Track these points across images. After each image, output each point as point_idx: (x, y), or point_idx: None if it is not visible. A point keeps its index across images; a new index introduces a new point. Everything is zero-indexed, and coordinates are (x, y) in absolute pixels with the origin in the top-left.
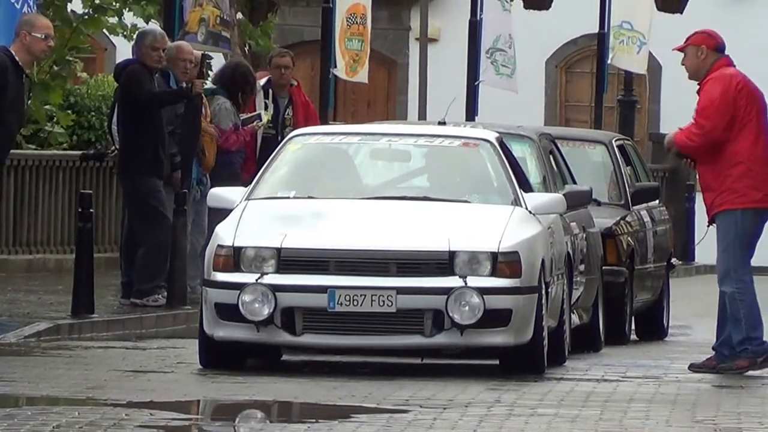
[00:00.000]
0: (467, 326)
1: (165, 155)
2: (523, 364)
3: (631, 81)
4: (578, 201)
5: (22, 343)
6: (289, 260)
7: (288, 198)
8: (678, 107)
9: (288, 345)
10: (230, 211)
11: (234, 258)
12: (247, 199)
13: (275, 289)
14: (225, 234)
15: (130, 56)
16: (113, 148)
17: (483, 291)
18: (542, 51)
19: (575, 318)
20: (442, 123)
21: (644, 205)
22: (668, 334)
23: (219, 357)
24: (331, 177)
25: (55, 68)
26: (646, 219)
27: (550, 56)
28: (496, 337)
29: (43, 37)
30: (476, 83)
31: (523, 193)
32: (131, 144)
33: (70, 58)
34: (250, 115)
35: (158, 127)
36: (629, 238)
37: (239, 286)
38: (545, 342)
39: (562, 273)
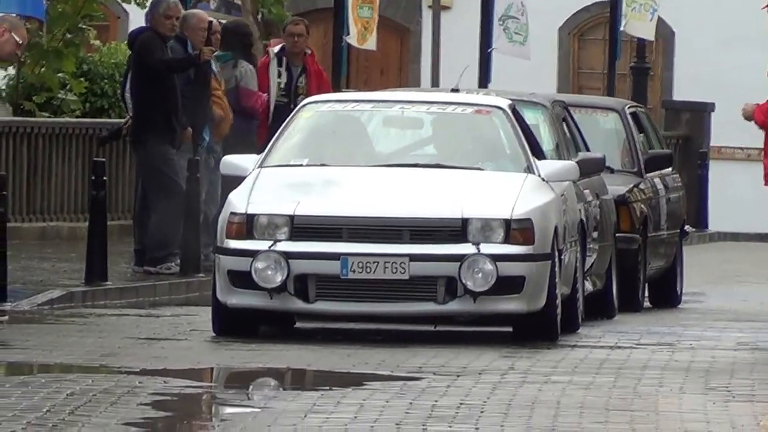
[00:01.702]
0: (480, 293)
1: (178, 123)
2: (537, 331)
3: (644, 48)
4: (591, 168)
5: (36, 310)
6: (302, 227)
7: (301, 165)
8: (690, 74)
9: (301, 312)
10: (243, 178)
11: (247, 225)
12: (260, 166)
13: (288, 256)
14: (238, 201)
15: (143, 24)
16: (127, 117)
17: (496, 258)
18: (555, 18)
19: (588, 285)
20: (455, 90)
21: (657, 172)
22: (681, 302)
23: (232, 324)
24: (343, 144)
25: (68, 36)
26: (660, 186)
27: (563, 23)
28: (509, 304)
29: None
30: (489, 51)
31: (536, 160)
32: (144, 112)
33: (83, 26)
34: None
35: (171, 95)
36: (642, 206)
37: (252, 254)
38: (558, 309)
39: (575, 240)
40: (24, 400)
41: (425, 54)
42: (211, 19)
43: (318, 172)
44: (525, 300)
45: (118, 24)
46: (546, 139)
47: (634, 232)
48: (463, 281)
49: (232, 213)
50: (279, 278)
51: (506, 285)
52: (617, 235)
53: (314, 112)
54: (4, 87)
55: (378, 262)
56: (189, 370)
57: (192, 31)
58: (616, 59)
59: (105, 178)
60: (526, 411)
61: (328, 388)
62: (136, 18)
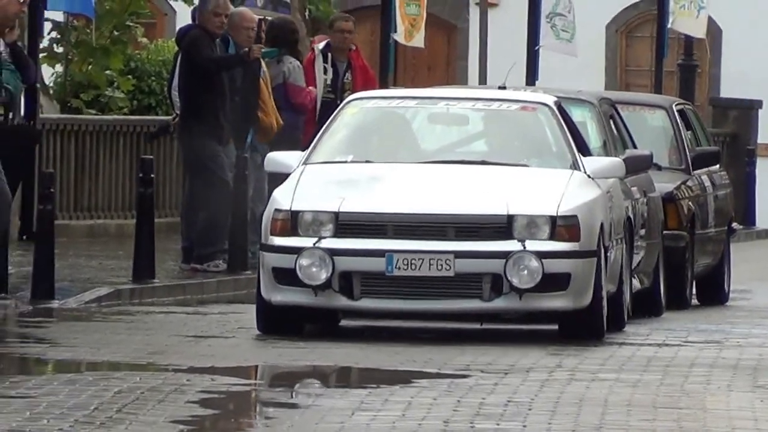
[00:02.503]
0: (526, 290)
1: (225, 120)
2: (583, 328)
3: (692, 45)
4: (639, 165)
5: (83, 308)
6: (346, 224)
7: (345, 162)
8: (738, 71)
9: (346, 309)
10: (287, 175)
11: (291, 222)
12: (305, 163)
13: (333, 253)
14: (282, 198)
15: (190, 21)
16: (174, 114)
17: (542, 255)
18: (602, 15)
19: (636, 283)
20: (503, 88)
21: (705, 169)
22: (729, 299)
23: (277, 322)
24: (388, 141)
25: (116, 33)
26: (707, 183)
27: (611, 21)
28: (555, 302)
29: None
30: (536, 48)
31: (581, 157)
32: (191, 109)
33: (131, 24)
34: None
35: (219, 92)
36: (690, 203)
37: (297, 251)
38: (604, 307)
39: (622, 237)
40: (72, 398)
41: (472, 51)
42: (260, 17)
43: (363, 169)
44: (571, 297)
45: (165, 21)
46: (593, 136)
47: (681, 230)
48: (509, 278)
49: (276, 210)
50: (324, 275)
51: (552, 282)
52: (665, 232)
53: (359, 109)
54: (51, 85)
55: (423, 259)
56: (236, 367)
57: (235, 29)
58: (663, 56)
59: (152, 175)
60: (574, 409)
61: (375, 385)
62: (183, 15)
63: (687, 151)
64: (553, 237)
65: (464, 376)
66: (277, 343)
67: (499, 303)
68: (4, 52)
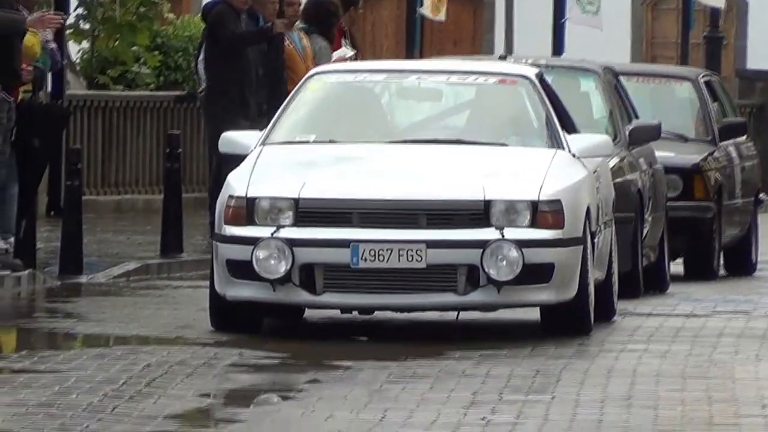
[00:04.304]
0: (505, 283)
1: (251, 95)
2: (567, 322)
3: (717, 17)
4: (647, 136)
5: (112, 283)
6: (307, 212)
7: (307, 142)
8: (764, 42)
9: (307, 305)
10: (244, 157)
11: (247, 210)
12: (263, 144)
13: (292, 243)
14: (237, 183)
15: None
16: (201, 88)
17: (522, 244)
18: None
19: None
20: (503, 57)
21: (731, 140)
22: (757, 270)
23: (232, 318)
24: (354, 119)
25: (142, 10)
26: (734, 155)
27: None
28: (537, 295)
29: None
30: (562, 21)
31: (566, 134)
32: (217, 84)
33: (157, 0)
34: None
35: (244, 68)
36: (717, 174)
37: (253, 241)
38: (591, 298)
39: (611, 219)
40: (101, 372)
41: (498, 25)
42: None
43: (326, 150)
44: (554, 290)
45: None
46: (598, 106)
47: (708, 201)
48: (486, 270)
49: (230, 196)
50: (282, 268)
51: (533, 274)
52: (692, 203)
53: (322, 83)
54: (78, 61)
55: (392, 250)
56: (264, 341)
57: (260, 4)
58: (689, 29)
59: (179, 150)
60: (602, 380)
61: (404, 358)
62: None
63: (714, 122)
64: (534, 224)
65: (493, 349)
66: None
67: (475, 297)
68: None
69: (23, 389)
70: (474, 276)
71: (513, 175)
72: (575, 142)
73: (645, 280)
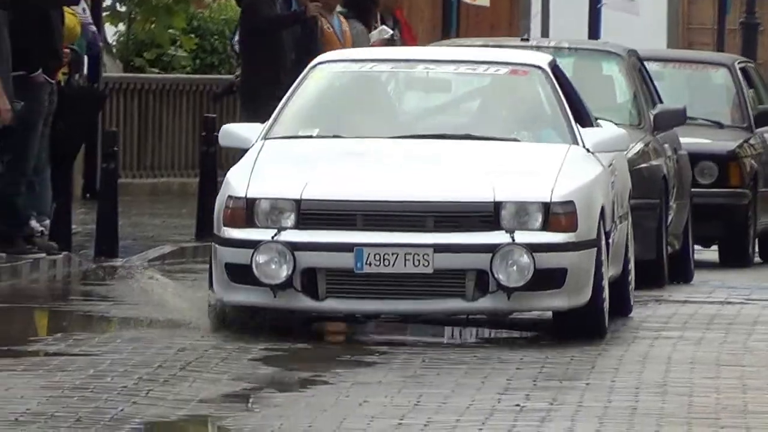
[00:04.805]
0: (515, 289)
1: (286, 78)
2: (581, 327)
3: (754, 3)
4: (672, 121)
5: (147, 266)
6: (309, 213)
7: (311, 137)
8: None
9: (309, 311)
10: (245, 151)
11: (247, 211)
12: (264, 138)
13: (294, 247)
14: (237, 182)
15: None
16: (237, 72)
17: (533, 248)
18: None
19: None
20: (525, 40)
21: (767, 127)
22: None
23: (231, 324)
24: (359, 111)
25: None
26: None
27: None
28: (549, 301)
29: None
30: (598, 6)
31: (580, 128)
32: (251, 67)
33: None
34: (376, 31)
35: (278, 52)
36: (752, 161)
37: (253, 244)
38: (606, 301)
39: (627, 213)
40: (135, 355)
41: (535, 10)
42: None
43: (330, 146)
44: (566, 295)
45: None
46: (622, 89)
47: (743, 188)
48: (496, 275)
49: (229, 196)
50: (284, 273)
51: (545, 279)
52: (727, 190)
53: (327, 73)
54: (114, 43)
55: (397, 254)
56: (299, 326)
57: None
58: (725, 14)
59: (215, 133)
60: (638, 366)
61: (443, 343)
62: None
63: (749, 109)
64: (546, 227)
65: (527, 335)
66: None
67: (484, 303)
68: (79, 9)
69: (58, 372)
70: (483, 282)
71: (524, 174)
72: (590, 136)
73: (669, 270)
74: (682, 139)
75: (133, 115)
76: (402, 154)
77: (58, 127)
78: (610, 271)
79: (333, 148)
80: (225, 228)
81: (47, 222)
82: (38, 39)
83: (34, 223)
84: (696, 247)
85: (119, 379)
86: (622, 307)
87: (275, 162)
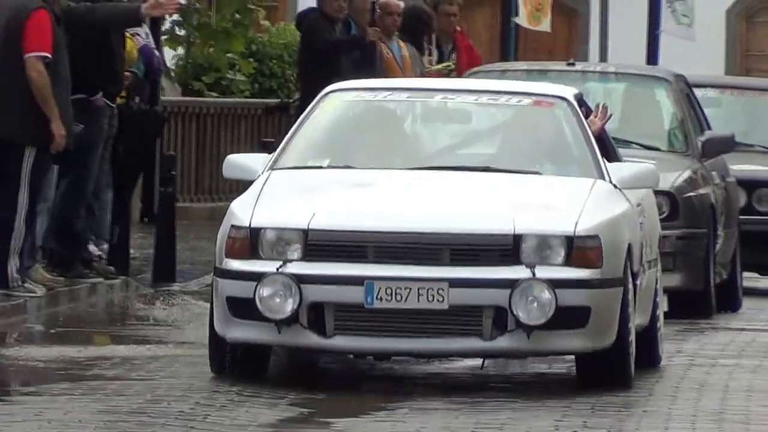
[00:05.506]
0: (535, 327)
1: None
2: (605, 372)
3: None
4: (720, 148)
5: (204, 290)
6: (317, 245)
7: (321, 168)
8: None
9: (315, 349)
10: (251, 183)
11: (251, 241)
12: (271, 168)
13: (300, 280)
14: (241, 212)
15: (312, 5)
16: (295, 97)
17: (555, 284)
18: (723, 0)
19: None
20: (571, 64)
21: None
22: None
23: (233, 362)
24: (373, 142)
25: (237, 16)
26: None
27: (731, 5)
28: (571, 341)
29: None
30: (657, 32)
31: (606, 162)
32: (310, 92)
33: (252, 6)
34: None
35: (337, 76)
36: None
37: (256, 277)
38: (632, 346)
39: (656, 259)
40: (192, 380)
41: (593, 35)
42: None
43: (340, 176)
44: (590, 336)
45: (287, 4)
46: (669, 114)
47: None
48: (515, 312)
49: (232, 226)
50: (289, 307)
51: (567, 317)
52: None
53: (339, 102)
54: (173, 67)
55: (410, 289)
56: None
57: (357, 12)
58: None
59: None
60: (694, 394)
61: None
62: None
63: None
64: (569, 262)
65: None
66: None
67: (502, 342)
68: (142, 33)
69: (115, 396)
70: (501, 319)
71: (546, 207)
72: (616, 171)
73: (717, 299)
74: (739, 166)
75: (191, 139)
76: (416, 185)
77: (117, 151)
78: (637, 319)
79: (343, 178)
80: (227, 259)
81: (105, 246)
82: (98, 62)
83: (92, 247)
84: (752, 275)
85: (176, 404)
86: (650, 357)
87: (281, 192)
